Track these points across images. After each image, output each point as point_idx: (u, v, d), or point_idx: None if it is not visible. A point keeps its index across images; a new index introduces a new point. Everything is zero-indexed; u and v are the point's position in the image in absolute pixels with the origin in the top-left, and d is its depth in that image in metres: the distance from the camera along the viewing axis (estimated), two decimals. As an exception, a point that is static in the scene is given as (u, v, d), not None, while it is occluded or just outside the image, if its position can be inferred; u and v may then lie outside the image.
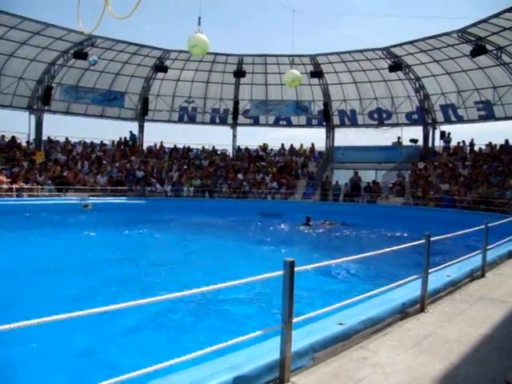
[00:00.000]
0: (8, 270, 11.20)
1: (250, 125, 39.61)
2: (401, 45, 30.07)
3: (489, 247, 8.88)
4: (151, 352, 6.65)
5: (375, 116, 36.25)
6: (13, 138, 30.69)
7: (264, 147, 37.98)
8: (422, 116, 33.80)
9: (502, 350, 4.90)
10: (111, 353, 6.77)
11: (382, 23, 68.55)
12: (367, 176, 32.77)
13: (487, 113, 30.92)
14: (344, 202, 30.34)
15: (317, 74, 34.24)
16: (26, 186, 25.25)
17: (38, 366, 6.26)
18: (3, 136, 30.33)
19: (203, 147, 37.72)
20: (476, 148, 31.22)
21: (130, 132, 36.81)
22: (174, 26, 66.42)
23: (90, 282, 10.62)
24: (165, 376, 3.42)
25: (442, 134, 33.60)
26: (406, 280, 6.38)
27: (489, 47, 26.70)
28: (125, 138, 36.23)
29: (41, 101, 32.01)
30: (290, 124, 39.19)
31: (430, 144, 33.86)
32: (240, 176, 33.35)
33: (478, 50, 26.53)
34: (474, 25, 25.56)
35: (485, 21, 24.74)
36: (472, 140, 31.62)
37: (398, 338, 5.05)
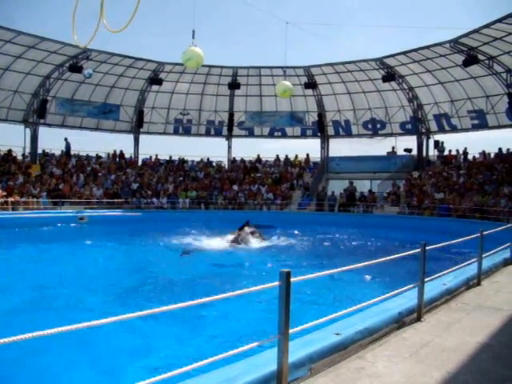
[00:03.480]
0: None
1: (244, 136, 39.65)
2: (394, 55, 30.25)
3: (484, 255, 8.92)
4: (145, 364, 6.62)
5: (369, 126, 36.33)
6: (9, 151, 30.64)
7: (257, 159, 38.00)
8: (416, 125, 33.94)
9: (500, 359, 4.91)
10: (109, 364, 6.76)
11: (375, 34, 69.08)
12: (362, 186, 32.80)
13: (480, 122, 31.07)
14: (339, 212, 30.33)
15: (311, 85, 34.38)
16: (21, 200, 25.17)
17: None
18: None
19: (201, 159, 37.74)
20: (470, 157, 31.35)
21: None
22: (169, 40, 66.75)
23: (84, 295, 10.56)
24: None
25: (436, 143, 33.75)
26: (402, 289, 6.40)
27: (481, 57, 26.91)
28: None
29: (36, 114, 32.00)
30: (284, 135, 39.25)
31: (424, 153, 33.96)
32: (235, 187, 33.36)
33: (470, 59, 26.74)
34: (466, 35, 25.76)
35: (476, 31, 24.96)
36: (465, 149, 31.74)
37: (395, 348, 5.05)
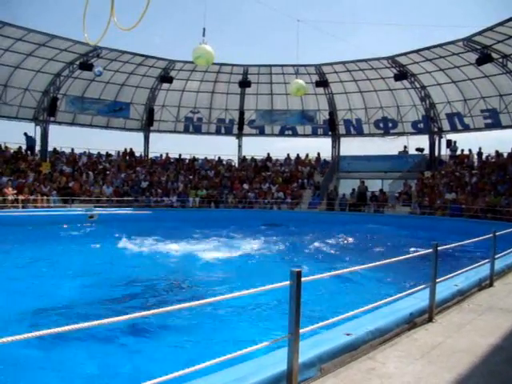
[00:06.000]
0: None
1: (255, 135, 39.71)
2: (406, 54, 30.09)
3: (497, 256, 8.81)
4: (155, 364, 6.61)
5: (381, 125, 36.19)
6: (19, 148, 30.81)
7: (267, 158, 37.97)
8: (428, 125, 33.73)
9: (512, 361, 4.84)
10: (119, 363, 6.76)
11: (388, 32, 68.77)
12: (373, 185, 32.66)
13: (493, 121, 30.84)
14: (350, 211, 30.22)
15: (322, 83, 34.25)
16: (31, 198, 25.29)
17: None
18: (7, 147, 30.49)
19: (205, 157, 37.78)
20: (483, 156, 31.08)
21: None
22: (181, 38, 66.88)
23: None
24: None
25: (449, 142, 33.52)
26: (413, 290, 6.36)
27: (494, 55, 26.66)
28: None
29: (46, 112, 32.15)
30: (295, 134, 39.21)
31: (437, 153, 33.75)
32: (245, 186, 33.34)
33: (484, 58, 26.51)
34: (480, 33, 25.56)
35: (490, 29, 24.74)
36: (480, 148, 31.40)
37: (406, 349, 4.99)
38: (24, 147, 31.65)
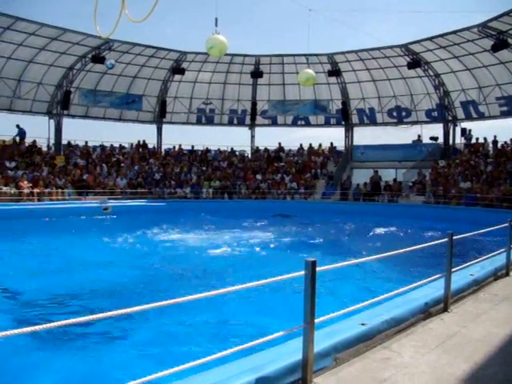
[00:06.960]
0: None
1: (268, 125, 39.57)
2: (419, 41, 29.76)
3: (513, 245, 8.73)
4: (173, 353, 6.66)
5: (394, 114, 35.93)
6: (33, 142, 30.99)
7: (279, 148, 37.85)
8: (442, 113, 33.42)
9: (529, 350, 4.82)
10: (130, 352, 6.82)
11: (400, 20, 68.00)
12: (387, 175, 32.47)
13: (509, 108, 30.39)
14: (364, 201, 30.10)
15: (334, 72, 34.05)
16: (46, 191, 25.47)
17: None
18: (21, 141, 30.65)
19: (219, 149, 37.83)
20: (498, 145, 30.73)
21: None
22: (193, 28, 66.74)
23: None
24: (188, 377, 3.44)
25: (463, 131, 33.19)
26: (428, 279, 6.33)
27: (511, 41, 26.19)
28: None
29: (60, 105, 32.34)
30: (308, 124, 39.08)
31: (451, 141, 33.45)
32: (259, 177, 33.32)
33: (500, 44, 26.06)
34: (495, 18, 25.07)
35: (506, 14, 24.24)
36: (495, 137, 30.99)
37: (422, 338, 4.99)
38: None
